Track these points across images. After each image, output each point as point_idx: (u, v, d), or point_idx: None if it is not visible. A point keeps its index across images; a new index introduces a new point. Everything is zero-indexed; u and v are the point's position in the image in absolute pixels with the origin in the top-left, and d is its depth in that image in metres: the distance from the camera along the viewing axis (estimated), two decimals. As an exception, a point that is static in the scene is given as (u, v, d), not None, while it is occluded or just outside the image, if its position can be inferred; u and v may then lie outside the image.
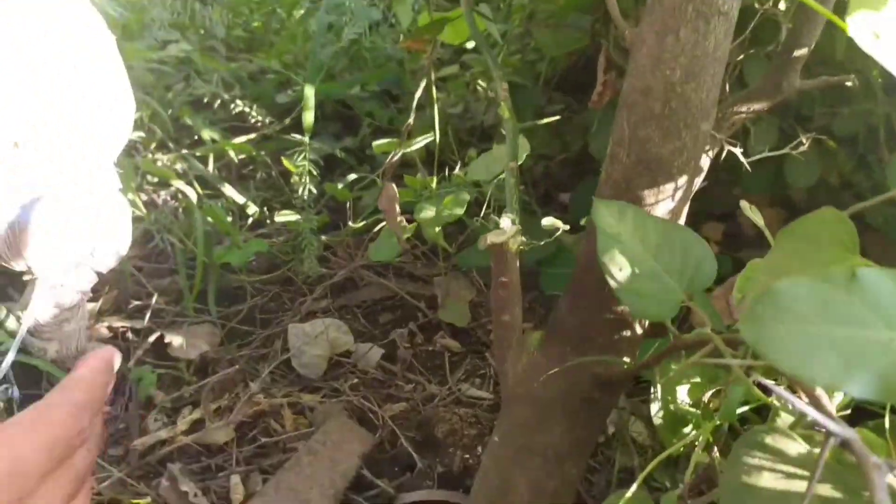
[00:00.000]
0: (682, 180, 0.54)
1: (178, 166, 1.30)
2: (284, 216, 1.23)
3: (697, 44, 0.51)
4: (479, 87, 1.23)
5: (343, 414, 0.92)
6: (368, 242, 1.17)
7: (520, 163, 0.78)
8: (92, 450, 0.41)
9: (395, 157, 0.92)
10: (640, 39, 0.53)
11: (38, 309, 0.40)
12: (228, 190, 1.25)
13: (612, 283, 0.46)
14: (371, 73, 1.43)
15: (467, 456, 0.83)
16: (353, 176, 1.17)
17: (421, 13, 0.99)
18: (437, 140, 1.00)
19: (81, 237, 0.38)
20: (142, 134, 1.33)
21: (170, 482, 0.82)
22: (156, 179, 1.33)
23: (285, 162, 1.37)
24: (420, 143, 1.05)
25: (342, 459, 0.84)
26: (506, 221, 0.62)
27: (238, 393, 0.98)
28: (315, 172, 1.14)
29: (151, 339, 1.04)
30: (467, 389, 0.97)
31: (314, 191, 1.13)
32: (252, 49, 1.67)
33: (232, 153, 1.37)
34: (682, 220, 0.57)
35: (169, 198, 1.33)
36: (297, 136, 1.24)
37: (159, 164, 1.28)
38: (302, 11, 1.79)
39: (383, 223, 1.08)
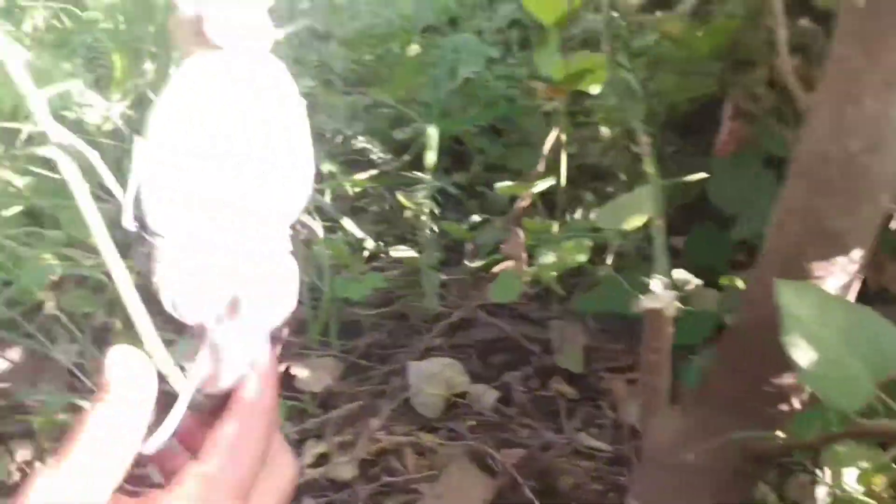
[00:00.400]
0: (857, 254, 0.52)
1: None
2: (400, 252, 1.25)
3: (883, 114, 0.49)
4: (600, 130, 1.22)
5: (464, 458, 0.92)
6: (487, 282, 1.17)
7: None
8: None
9: (524, 203, 0.92)
10: (817, 105, 0.52)
11: (204, 368, 0.36)
12: (348, 223, 1.28)
13: (796, 366, 0.44)
14: (484, 111, 1.44)
15: (594, 512, 0.81)
16: (475, 218, 1.17)
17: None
18: (562, 184, 0.99)
19: (260, 302, 0.37)
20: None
21: (301, 518, 0.84)
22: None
23: (400, 198, 1.39)
24: (542, 185, 1.05)
25: (466, 502, 0.84)
26: (657, 285, 0.61)
27: (360, 428, 0.99)
28: (437, 211, 1.15)
29: (280, 370, 1.06)
30: (585, 439, 0.95)
31: (435, 229, 1.14)
32: (365, 83, 1.71)
33: (348, 186, 1.40)
34: (852, 295, 0.55)
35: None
36: (415, 174, 1.26)
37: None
38: (415, 48, 1.83)
39: (502, 264, 1.08)
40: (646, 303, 0.59)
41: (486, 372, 1.08)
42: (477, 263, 1.14)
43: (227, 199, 0.35)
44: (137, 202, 0.36)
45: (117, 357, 0.33)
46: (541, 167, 0.96)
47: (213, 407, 0.36)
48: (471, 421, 1.00)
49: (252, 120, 0.35)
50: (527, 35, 1.62)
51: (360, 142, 1.36)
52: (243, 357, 0.37)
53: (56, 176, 1.17)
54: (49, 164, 1.18)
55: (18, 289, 1.07)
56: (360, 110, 1.57)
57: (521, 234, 0.93)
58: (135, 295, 0.36)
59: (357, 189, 1.44)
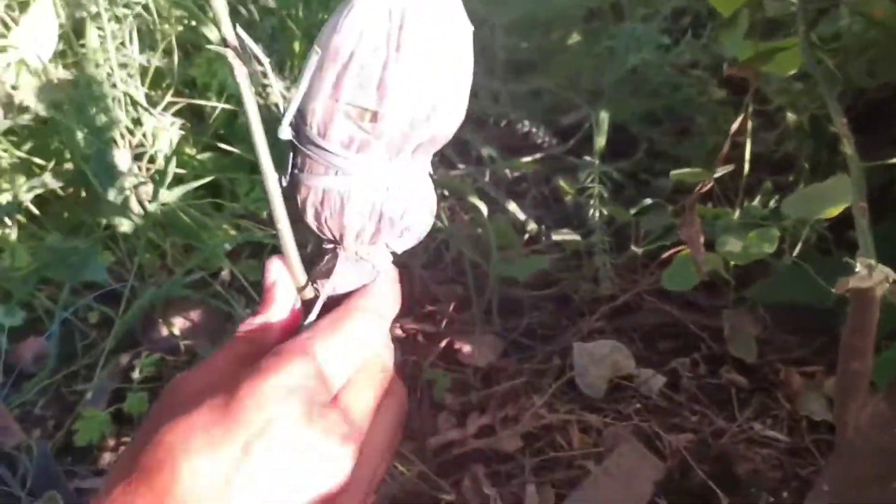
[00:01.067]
0: None
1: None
2: (563, 235, 1.25)
3: None
4: (783, 116, 1.18)
5: (632, 438, 0.91)
6: (653, 268, 1.15)
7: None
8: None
9: (705, 188, 0.90)
10: None
11: (339, 279, 0.41)
12: (512, 206, 1.30)
13: None
14: (650, 98, 1.42)
15: (773, 499, 0.78)
16: (647, 201, 1.16)
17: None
18: (745, 172, 0.96)
19: (398, 214, 0.40)
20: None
21: (472, 483, 0.86)
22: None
23: (562, 183, 1.39)
24: (721, 172, 1.02)
25: (636, 485, 0.84)
26: (863, 266, 0.58)
27: (523, 404, 1.01)
28: (605, 195, 1.15)
29: (442, 343, 1.10)
30: (760, 429, 0.92)
31: (605, 212, 1.14)
32: (527, 70, 1.72)
33: (507, 171, 1.42)
34: None
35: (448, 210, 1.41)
36: (576, 159, 1.26)
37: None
38: (575, 35, 1.82)
39: (674, 250, 1.06)
40: (854, 282, 0.56)
41: (652, 357, 1.07)
42: (643, 248, 1.12)
43: (390, 118, 0.37)
44: (299, 114, 0.39)
45: (274, 265, 0.43)
46: (725, 151, 0.93)
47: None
48: (636, 404, 0.99)
49: (424, 44, 0.36)
50: (695, 22, 1.58)
51: (524, 126, 1.38)
52: (371, 270, 0.42)
53: (235, 151, 1.26)
54: (228, 140, 1.28)
55: (201, 255, 1.16)
56: (523, 96, 1.58)
57: (698, 219, 0.91)
58: (284, 214, 0.40)
59: (515, 173, 1.46)
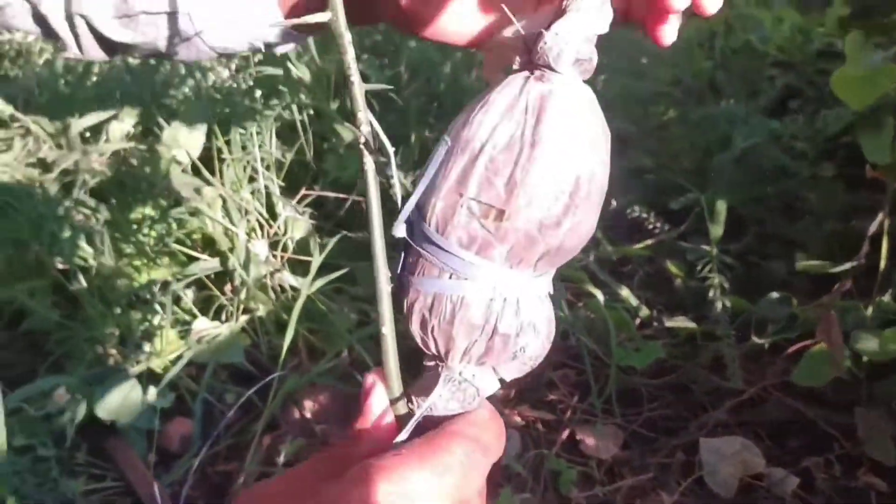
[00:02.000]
0: None
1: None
2: (677, 322, 1.26)
3: None
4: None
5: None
6: (778, 360, 1.14)
7: None
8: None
9: (844, 287, 0.90)
10: None
11: (438, 400, 0.37)
12: (624, 292, 1.31)
13: None
14: (763, 184, 1.42)
15: None
16: (774, 295, 1.15)
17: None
18: (881, 267, 0.96)
19: (513, 331, 0.36)
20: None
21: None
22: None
23: (671, 266, 1.40)
24: (847, 266, 1.01)
25: None
26: None
27: (651, 501, 1.01)
28: (725, 286, 1.15)
29: (564, 434, 1.11)
30: (906, 540, 0.89)
31: (727, 305, 1.14)
32: (624, 149, 1.75)
33: (609, 248, 1.44)
34: None
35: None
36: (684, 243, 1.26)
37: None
38: (672, 113, 1.84)
39: (802, 344, 1.05)
40: None
41: (782, 456, 1.05)
42: (766, 340, 1.12)
43: (517, 218, 0.34)
44: (418, 209, 0.36)
45: (371, 377, 0.39)
46: (864, 248, 0.93)
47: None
48: (770, 504, 0.98)
49: (562, 141, 0.33)
50: (802, 104, 1.58)
51: (634, 211, 1.39)
52: (474, 396, 0.37)
53: (354, 236, 1.31)
54: (348, 227, 1.33)
55: (325, 336, 1.21)
56: (627, 176, 1.60)
57: (835, 315, 0.90)
58: (391, 316, 0.37)
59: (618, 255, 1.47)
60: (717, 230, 1.19)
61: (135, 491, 1.02)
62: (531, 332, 0.36)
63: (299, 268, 1.28)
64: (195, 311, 1.22)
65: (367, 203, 0.36)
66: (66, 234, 1.21)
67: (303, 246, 1.31)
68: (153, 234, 1.22)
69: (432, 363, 0.38)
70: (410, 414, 0.38)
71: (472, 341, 0.36)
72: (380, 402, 0.39)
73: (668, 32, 0.38)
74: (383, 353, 0.38)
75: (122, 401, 1.07)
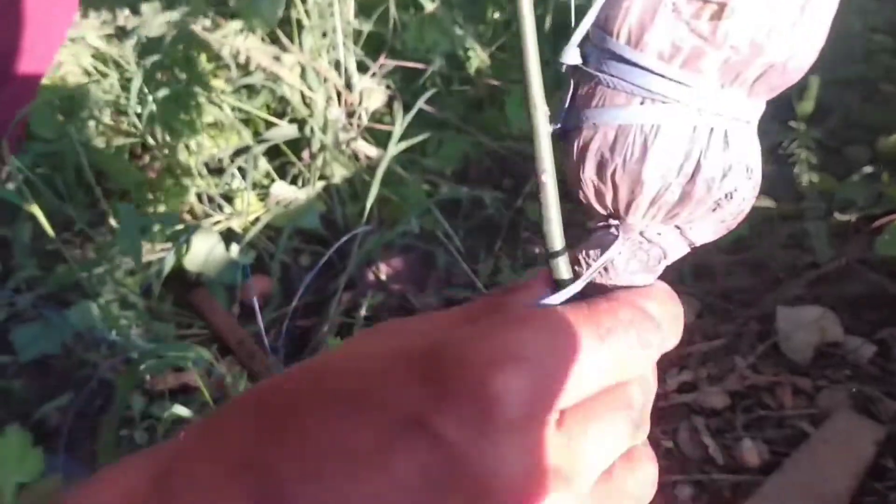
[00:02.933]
0: None
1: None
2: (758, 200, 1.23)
3: None
4: None
5: (848, 402, 0.90)
6: (860, 236, 1.11)
7: None
8: (647, 394, 0.28)
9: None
10: None
11: (615, 258, 0.29)
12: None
13: None
14: (858, 64, 1.36)
15: None
16: (857, 176, 1.12)
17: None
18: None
19: (719, 172, 0.28)
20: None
21: (690, 433, 0.88)
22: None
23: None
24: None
25: (857, 447, 0.83)
26: None
27: (725, 364, 1.01)
28: (812, 161, 1.12)
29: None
30: None
31: (814, 181, 1.11)
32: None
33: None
34: None
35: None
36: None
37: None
38: None
39: (888, 218, 1.02)
40: None
41: (859, 327, 1.04)
42: (851, 216, 1.09)
43: (742, 17, 0.26)
44: (597, 27, 0.29)
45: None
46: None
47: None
48: (846, 371, 0.97)
49: None
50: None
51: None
52: (658, 259, 0.30)
53: (429, 108, 1.30)
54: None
55: (397, 205, 1.22)
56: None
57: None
58: (551, 160, 0.29)
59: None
60: (807, 106, 1.15)
61: (220, 338, 1.06)
62: (742, 174, 0.28)
63: (374, 138, 1.28)
64: (273, 175, 1.24)
65: (519, 17, 0.28)
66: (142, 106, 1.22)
67: (378, 117, 1.31)
68: (230, 101, 1.23)
69: (603, 224, 0.30)
70: (577, 276, 0.30)
71: (665, 185, 0.28)
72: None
73: None
74: (542, 206, 0.29)
75: (207, 255, 1.10)
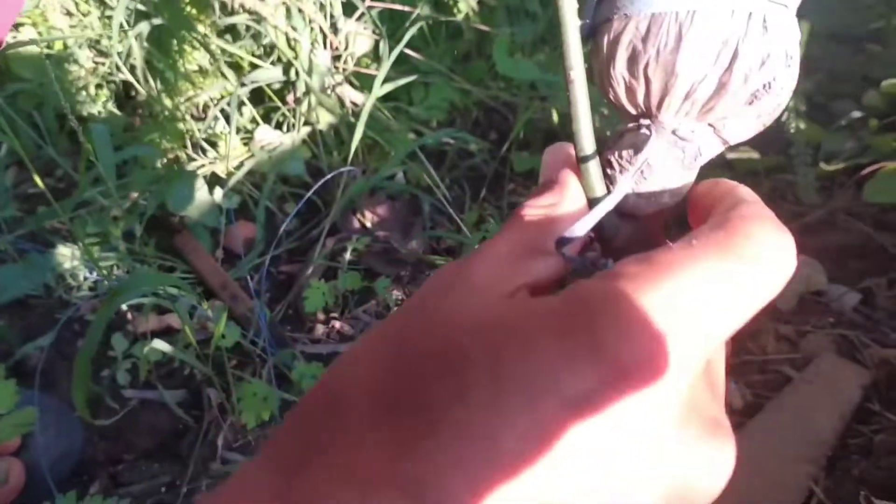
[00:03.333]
0: None
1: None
2: (741, 153, 1.22)
3: None
4: None
5: (832, 348, 0.90)
6: (844, 187, 1.11)
7: None
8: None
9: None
10: None
11: (652, 158, 0.27)
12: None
13: None
14: (854, 12, 1.34)
15: None
16: (847, 120, 1.11)
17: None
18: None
19: (757, 61, 0.26)
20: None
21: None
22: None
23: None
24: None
25: (842, 390, 0.83)
26: None
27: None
28: (801, 108, 1.11)
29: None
30: (970, 349, 0.89)
31: (801, 126, 1.10)
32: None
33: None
34: None
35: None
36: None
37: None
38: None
39: (877, 166, 1.02)
40: None
41: (843, 275, 1.04)
42: (837, 165, 1.08)
43: None
44: None
45: (554, 152, 0.28)
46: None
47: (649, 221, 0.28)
48: (829, 318, 0.97)
49: None
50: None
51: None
52: (695, 155, 0.28)
53: (414, 54, 1.27)
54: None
55: (383, 152, 1.20)
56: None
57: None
58: (581, 57, 0.26)
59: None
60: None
61: (204, 281, 1.04)
62: (781, 62, 0.26)
63: (361, 84, 1.25)
64: (258, 118, 1.21)
65: None
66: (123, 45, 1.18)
67: (365, 64, 1.28)
68: (214, 45, 1.19)
69: (633, 125, 0.28)
70: (611, 181, 0.28)
71: (700, 77, 0.26)
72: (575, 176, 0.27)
73: None
74: (571, 105, 0.27)
75: (190, 198, 1.07)
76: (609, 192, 0.27)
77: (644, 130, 0.28)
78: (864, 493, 0.71)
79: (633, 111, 0.28)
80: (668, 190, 0.28)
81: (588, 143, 0.27)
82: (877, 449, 0.75)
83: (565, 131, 1.35)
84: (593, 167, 0.27)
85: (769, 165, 1.17)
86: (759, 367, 0.92)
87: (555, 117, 1.29)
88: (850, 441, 0.79)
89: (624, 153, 0.28)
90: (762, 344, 0.94)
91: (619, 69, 0.27)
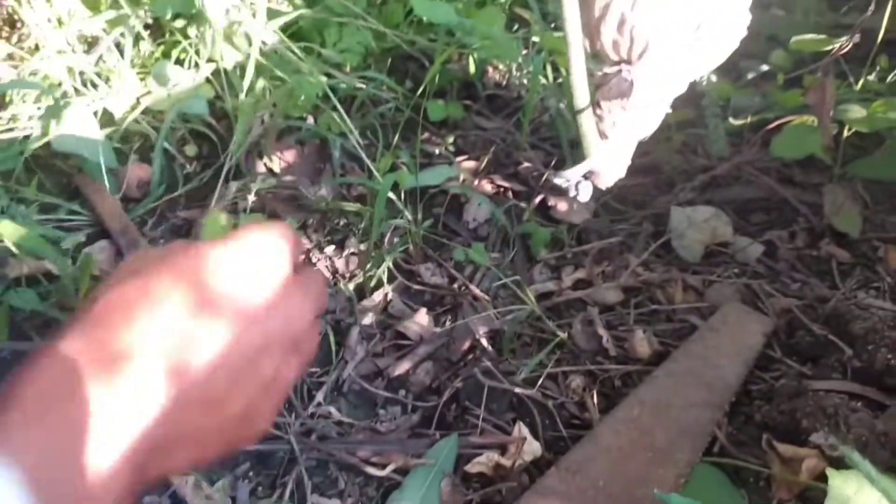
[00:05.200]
0: None
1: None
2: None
3: None
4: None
5: (736, 297, 0.88)
6: (750, 142, 1.09)
7: None
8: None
9: (841, 51, 0.82)
10: None
11: (637, 98, 0.36)
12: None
13: None
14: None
15: (890, 356, 0.75)
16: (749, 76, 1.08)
17: None
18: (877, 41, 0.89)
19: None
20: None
21: (583, 326, 0.83)
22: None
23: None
24: (849, 44, 0.94)
25: (745, 337, 0.81)
26: None
27: (619, 262, 0.97)
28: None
29: (537, 200, 1.05)
30: (864, 298, 0.88)
31: (713, 79, 1.07)
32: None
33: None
34: None
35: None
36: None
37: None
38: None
39: (783, 120, 1.00)
40: None
41: (747, 228, 1.02)
42: (744, 120, 1.06)
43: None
44: None
45: None
46: (858, 24, 0.86)
47: None
48: (734, 269, 0.95)
49: None
50: None
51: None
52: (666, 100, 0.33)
53: None
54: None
55: (293, 95, 1.10)
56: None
57: (832, 85, 0.84)
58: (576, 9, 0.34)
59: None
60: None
61: (101, 223, 0.94)
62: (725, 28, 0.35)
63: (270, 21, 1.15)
64: (157, 53, 1.09)
65: None
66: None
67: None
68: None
69: (616, 69, 0.36)
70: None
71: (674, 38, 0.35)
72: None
73: None
74: (568, 52, 0.35)
75: (78, 135, 0.96)
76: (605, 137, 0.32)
77: (625, 75, 0.36)
78: (766, 437, 0.69)
79: (615, 58, 0.36)
80: (646, 123, 0.33)
81: (583, 96, 0.35)
82: (777, 394, 0.73)
83: (482, 81, 1.29)
84: (587, 118, 0.36)
85: (681, 119, 1.14)
86: (666, 316, 0.89)
87: (472, 67, 1.22)
88: (752, 387, 0.78)
89: (614, 102, 0.36)
90: (669, 293, 0.91)
91: (609, 28, 0.35)
